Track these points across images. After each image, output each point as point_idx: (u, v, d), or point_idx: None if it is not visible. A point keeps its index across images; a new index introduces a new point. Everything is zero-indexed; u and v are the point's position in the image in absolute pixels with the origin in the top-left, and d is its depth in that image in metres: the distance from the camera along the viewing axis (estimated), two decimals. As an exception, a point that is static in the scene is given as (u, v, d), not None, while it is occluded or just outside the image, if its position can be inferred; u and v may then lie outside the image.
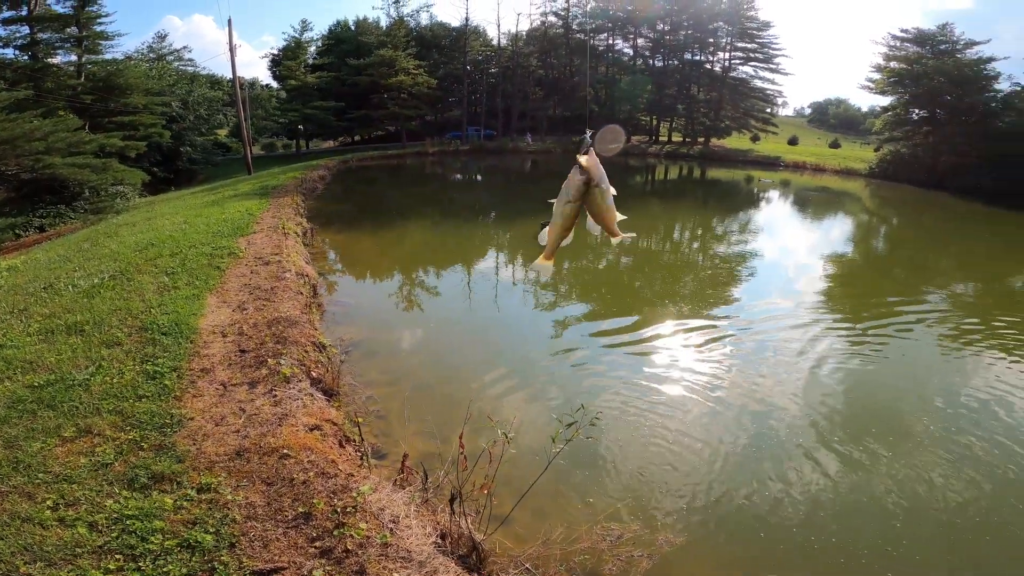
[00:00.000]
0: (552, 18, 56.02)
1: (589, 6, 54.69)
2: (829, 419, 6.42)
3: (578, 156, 2.23)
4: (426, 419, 5.81)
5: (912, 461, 5.66)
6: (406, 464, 4.58)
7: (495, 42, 56.45)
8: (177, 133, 30.56)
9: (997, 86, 38.77)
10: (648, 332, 9.07)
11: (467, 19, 54.17)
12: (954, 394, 7.21)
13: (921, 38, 41.83)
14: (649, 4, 51.08)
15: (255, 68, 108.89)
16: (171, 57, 41.32)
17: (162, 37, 43.29)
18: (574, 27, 54.83)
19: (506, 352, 8.18)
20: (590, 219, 2.31)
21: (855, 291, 12.44)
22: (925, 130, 40.07)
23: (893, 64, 41.87)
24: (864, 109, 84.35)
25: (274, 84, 55.71)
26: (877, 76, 43.07)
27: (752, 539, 4.60)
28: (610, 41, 56.60)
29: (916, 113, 41.93)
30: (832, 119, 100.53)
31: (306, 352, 6.22)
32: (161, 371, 5.27)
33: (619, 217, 2.30)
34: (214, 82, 50.04)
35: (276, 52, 49.15)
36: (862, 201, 31.54)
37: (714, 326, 9.31)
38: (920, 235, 22.15)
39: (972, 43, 40.64)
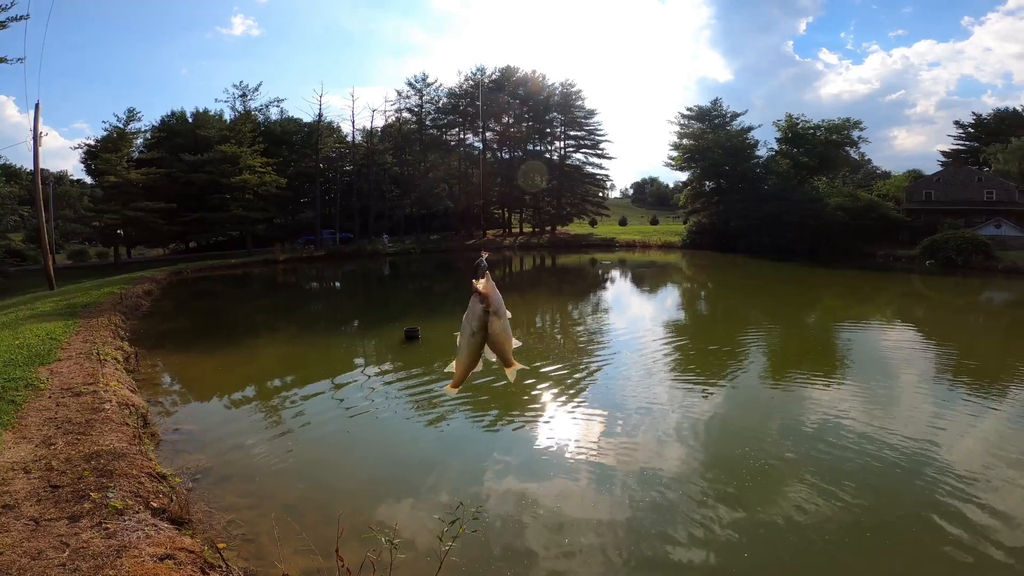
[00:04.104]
0: (406, 114, 58.18)
1: (441, 102, 57.93)
2: (709, 470, 6.95)
3: (474, 282, 2.13)
4: (301, 536, 5.15)
5: (783, 490, 6.36)
6: (286, 586, 3.98)
7: (349, 138, 56.09)
8: (-48, 241, 24.93)
9: (759, 152, 48.69)
10: (520, 413, 9.25)
11: (320, 114, 51.29)
12: (795, 423, 8.42)
13: (701, 114, 51.08)
14: (495, 97, 55.93)
15: (65, 159, 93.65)
16: (-48, 143, 34.43)
17: (-55, 121, 36.19)
18: (427, 123, 57.61)
19: (377, 456, 7.75)
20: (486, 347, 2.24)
21: (695, 347, 14.33)
22: (716, 199, 47.65)
23: (685, 141, 50.17)
24: (671, 185, 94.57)
25: (88, 180, 48.42)
26: (675, 153, 51.26)
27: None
28: (461, 135, 60.20)
29: (708, 185, 50.01)
30: (649, 197, 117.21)
31: (140, 484, 5.28)
32: (-54, 515, 4.15)
33: (515, 344, 2.26)
34: (10, 174, 41.92)
35: (93, 143, 42.38)
36: (682, 270, 37.13)
37: (583, 400, 9.80)
38: (729, 292, 26.69)
39: (735, 114, 50.95)
